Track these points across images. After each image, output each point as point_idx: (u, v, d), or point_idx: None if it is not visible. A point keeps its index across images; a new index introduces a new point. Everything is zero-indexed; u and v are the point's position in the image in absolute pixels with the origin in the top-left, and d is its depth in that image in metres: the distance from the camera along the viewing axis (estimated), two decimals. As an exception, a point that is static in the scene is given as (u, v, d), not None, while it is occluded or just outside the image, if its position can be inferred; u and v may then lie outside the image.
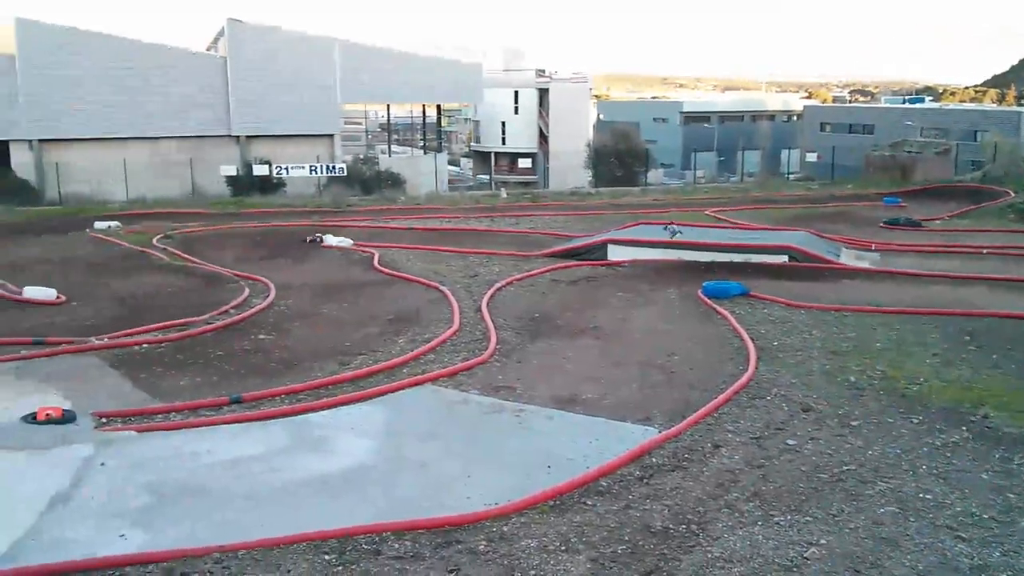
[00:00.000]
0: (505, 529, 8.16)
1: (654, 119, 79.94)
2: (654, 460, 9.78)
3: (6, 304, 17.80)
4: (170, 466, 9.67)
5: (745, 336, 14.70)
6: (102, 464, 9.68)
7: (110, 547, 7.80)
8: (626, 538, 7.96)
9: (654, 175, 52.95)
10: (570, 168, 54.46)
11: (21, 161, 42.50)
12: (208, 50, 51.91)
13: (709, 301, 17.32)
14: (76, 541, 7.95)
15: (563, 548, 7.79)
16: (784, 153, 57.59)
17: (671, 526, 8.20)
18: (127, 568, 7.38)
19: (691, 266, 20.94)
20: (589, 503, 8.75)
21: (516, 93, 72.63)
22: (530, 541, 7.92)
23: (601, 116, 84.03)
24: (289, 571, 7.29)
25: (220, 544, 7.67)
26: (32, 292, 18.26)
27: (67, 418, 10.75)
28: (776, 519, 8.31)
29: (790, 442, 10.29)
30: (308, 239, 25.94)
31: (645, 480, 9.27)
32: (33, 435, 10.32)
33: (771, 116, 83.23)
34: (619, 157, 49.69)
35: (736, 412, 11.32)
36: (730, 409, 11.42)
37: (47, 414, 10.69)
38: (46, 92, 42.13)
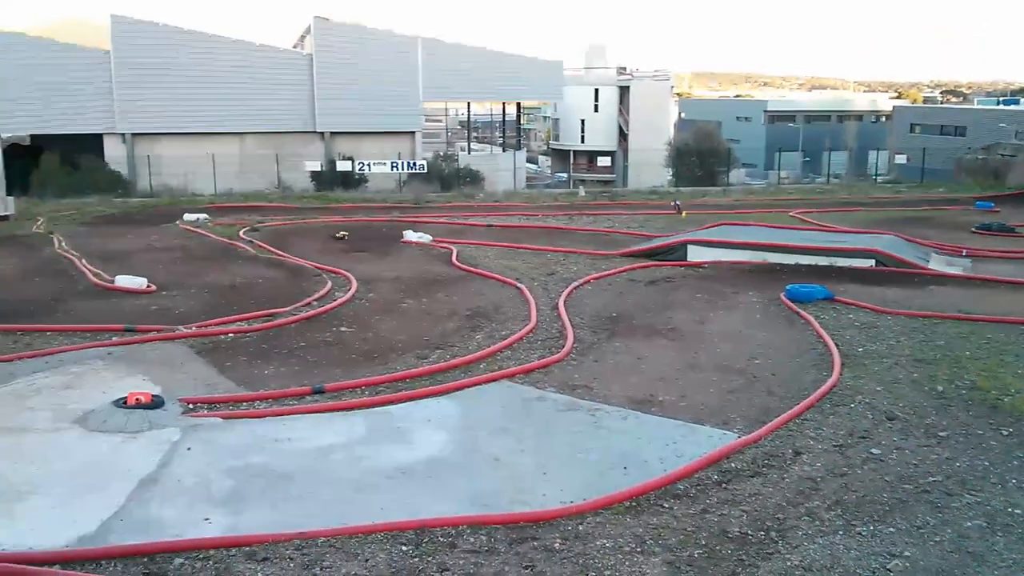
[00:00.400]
0: (580, 528, 8.14)
1: (737, 118, 78.66)
2: (733, 465, 9.64)
3: (99, 292, 18.51)
4: (253, 453, 9.92)
5: (829, 342, 14.36)
6: (188, 449, 9.98)
7: (195, 529, 8.05)
8: (703, 542, 7.86)
9: (736, 175, 52.09)
10: (650, 167, 53.96)
11: (115, 154, 44.10)
12: (295, 47, 53.03)
13: (793, 305, 16.97)
14: (162, 522, 8.22)
15: (638, 550, 7.74)
16: (872, 154, 55.83)
17: (749, 532, 8.07)
18: (211, 551, 7.59)
19: (774, 269, 20.57)
20: (666, 506, 8.67)
21: (596, 91, 72.27)
22: (605, 541, 7.89)
23: (682, 114, 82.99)
24: (367, 560, 7.40)
25: (300, 531, 7.84)
26: (124, 281, 18.94)
27: (156, 403, 11.09)
28: (858, 529, 8.11)
29: (874, 451, 10.03)
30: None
31: (723, 485, 9.14)
32: (124, 419, 10.69)
33: (859, 116, 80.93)
34: (700, 156, 49.04)
35: (818, 419, 11.07)
36: (812, 416, 11.18)
37: (137, 399, 11.04)
38: (139, 87, 43.60)
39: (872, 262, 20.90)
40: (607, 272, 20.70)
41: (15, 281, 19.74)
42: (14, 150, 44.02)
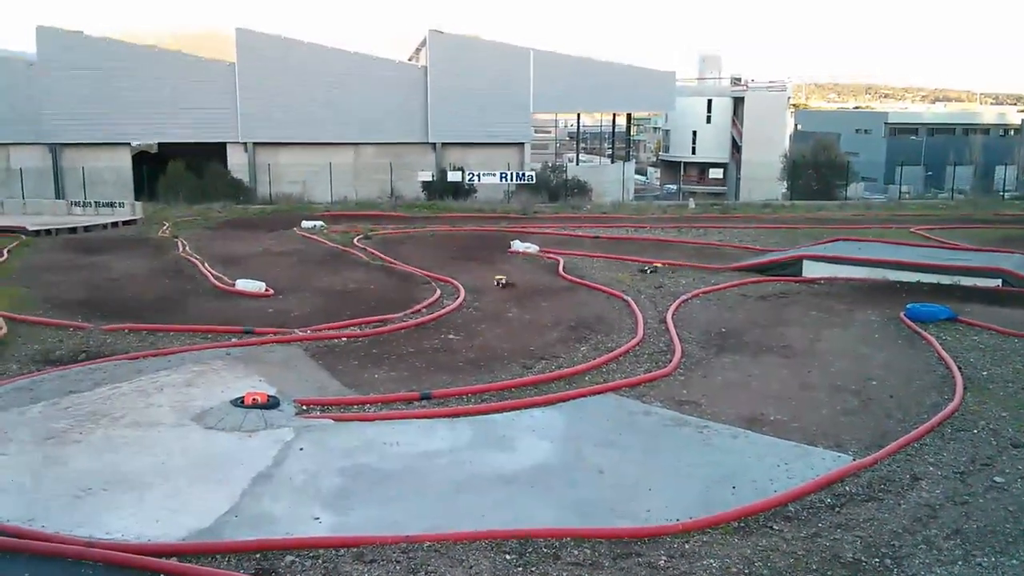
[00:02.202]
0: (686, 546, 8.00)
1: (856, 130, 76.06)
2: (847, 488, 9.31)
3: (220, 295, 19.30)
4: (362, 455, 10.14)
5: (951, 364, 13.71)
6: (301, 449, 10.28)
7: (305, 528, 8.27)
8: (814, 567, 7.61)
9: (854, 189, 50.45)
10: (763, 180, 52.83)
11: (236, 162, 45.99)
12: (410, 60, 54.20)
13: (913, 324, 16.28)
14: (274, 519, 8.47)
15: (746, 571, 7.55)
16: (999, 169, 53.31)
17: (863, 558, 7.77)
18: (320, 550, 7.78)
19: (893, 287, 19.80)
20: (775, 527, 8.44)
21: (709, 101, 71.29)
22: (711, 561, 7.73)
23: (799, 126, 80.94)
24: (471, 568, 7.45)
25: (407, 535, 7.96)
26: (244, 284, 19.68)
27: (271, 404, 11.47)
28: (978, 559, 7.71)
29: (997, 479, 9.52)
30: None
31: (837, 509, 8.84)
32: (241, 418, 11.09)
33: (985, 130, 77.21)
34: (817, 169, 47.72)
35: (938, 444, 10.59)
36: (932, 440, 10.69)
37: (254, 399, 11.43)
38: (261, 98, 45.37)
39: (998, 282, 19.88)
40: (717, 286, 20.34)
41: (143, 282, 20.77)
42: (142, 157, 46.48)
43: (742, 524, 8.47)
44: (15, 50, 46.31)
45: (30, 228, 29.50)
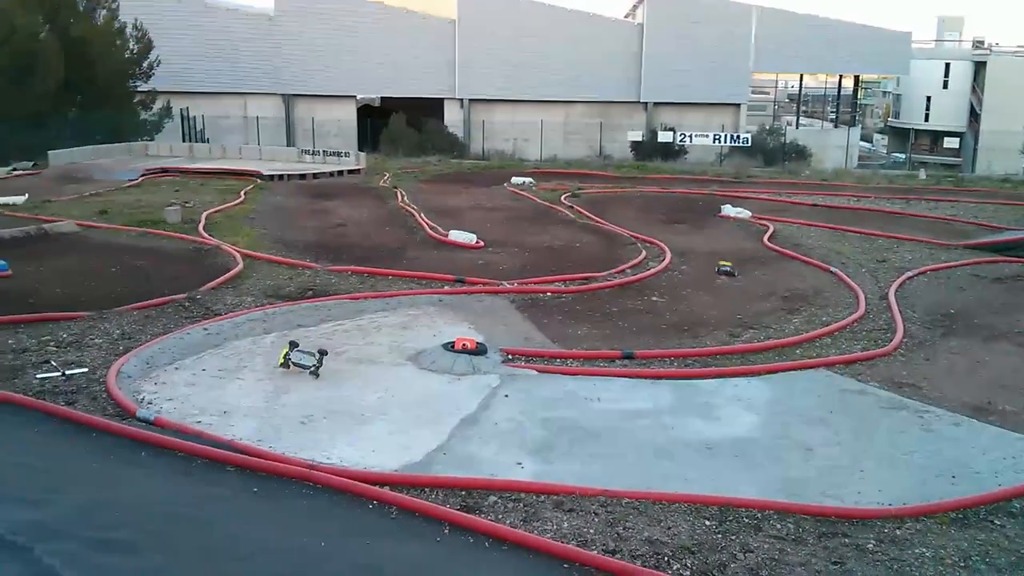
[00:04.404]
0: (898, 532, 7.59)
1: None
2: (1087, 491, 8.48)
3: (434, 244, 20.09)
4: (564, 407, 10.29)
5: None
6: (506, 396, 10.57)
7: (508, 472, 8.52)
8: (1041, 569, 7.02)
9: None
10: (1004, 152, 48.37)
11: (453, 119, 47.47)
12: (627, 17, 53.53)
13: None
14: (479, 460, 8.79)
15: (961, 564, 7.06)
16: None
17: (1104, 569, 7.07)
18: (522, 494, 8.01)
19: None
20: (997, 523, 7.83)
21: (947, 65, 65.79)
22: (924, 550, 7.29)
23: (1051, 94, 73.26)
24: (669, 528, 7.42)
25: (605, 488, 8.04)
26: (456, 235, 20.38)
27: (479, 350, 11.85)
28: None
29: None
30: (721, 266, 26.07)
31: (1073, 511, 8.08)
32: (451, 361, 11.55)
33: None
34: (1070, 142, 43.16)
35: None
36: None
37: (463, 344, 11.85)
38: (477, 54, 46.39)
39: None
40: (946, 264, 18.92)
41: (365, 228, 21.99)
42: (366, 110, 48.92)
43: (960, 515, 7.92)
44: (258, 5, 49.77)
45: (265, 173, 31.86)
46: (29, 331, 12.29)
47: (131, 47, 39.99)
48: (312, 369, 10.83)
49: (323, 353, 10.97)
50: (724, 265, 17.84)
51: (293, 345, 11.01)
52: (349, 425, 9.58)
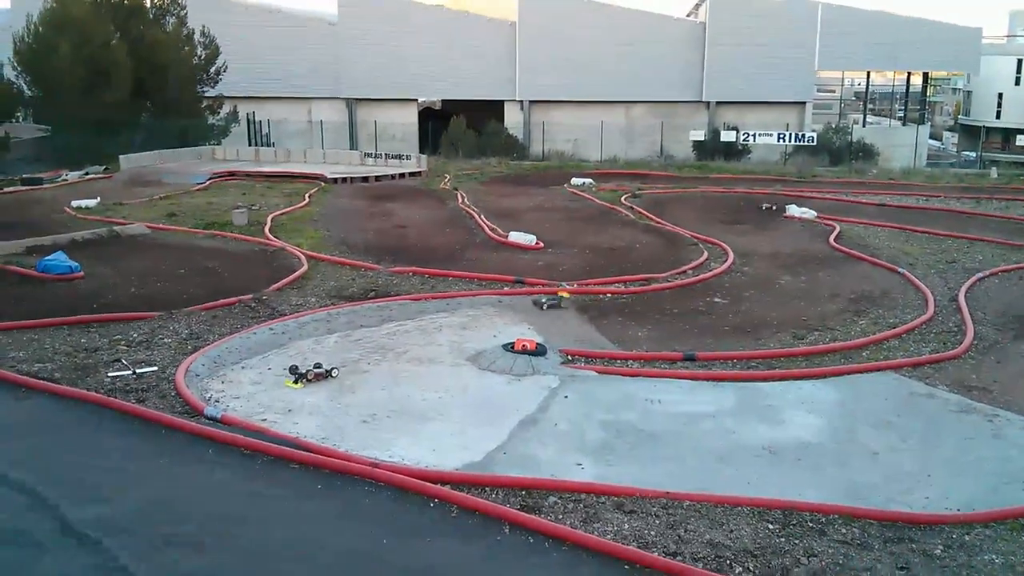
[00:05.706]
0: (967, 538, 7.40)
1: None
2: None
3: (494, 245, 20.17)
4: (624, 409, 10.25)
5: None
6: (566, 397, 10.57)
7: (567, 472, 8.52)
8: (1121, 583, 6.77)
9: None
10: (1083, 149, 46.77)
11: (513, 120, 47.53)
12: (688, 16, 53.02)
13: None
14: (539, 461, 8.81)
15: (1035, 573, 6.86)
16: None
17: None
18: (582, 495, 8.00)
19: None
20: (1074, 533, 7.58)
21: (1019, 61, 63.81)
22: (994, 556, 7.10)
23: None
24: (731, 532, 7.35)
25: (667, 491, 7.98)
26: (516, 237, 20.42)
27: (539, 351, 11.87)
28: None
29: None
30: (764, 206, 25.81)
31: None
32: (511, 362, 11.59)
33: None
34: None
35: None
36: None
37: (523, 345, 11.89)
38: (537, 55, 46.39)
39: None
40: (1019, 265, 18.35)
41: (426, 230, 22.17)
42: (427, 113, 49.30)
43: (1034, 523, 7.70)
44: (321, 10, 50.54)
45: (328, 176, 32.33)
46: (101, 331, 12.70)
47: (199, 53, 40.92)
48: (326, 372, 10.90)
49: (318, 366, 10.99)
50: (551, 297, 14.85)
51: (294, 370, 10.87)
52: (411, 424, 9.68)
